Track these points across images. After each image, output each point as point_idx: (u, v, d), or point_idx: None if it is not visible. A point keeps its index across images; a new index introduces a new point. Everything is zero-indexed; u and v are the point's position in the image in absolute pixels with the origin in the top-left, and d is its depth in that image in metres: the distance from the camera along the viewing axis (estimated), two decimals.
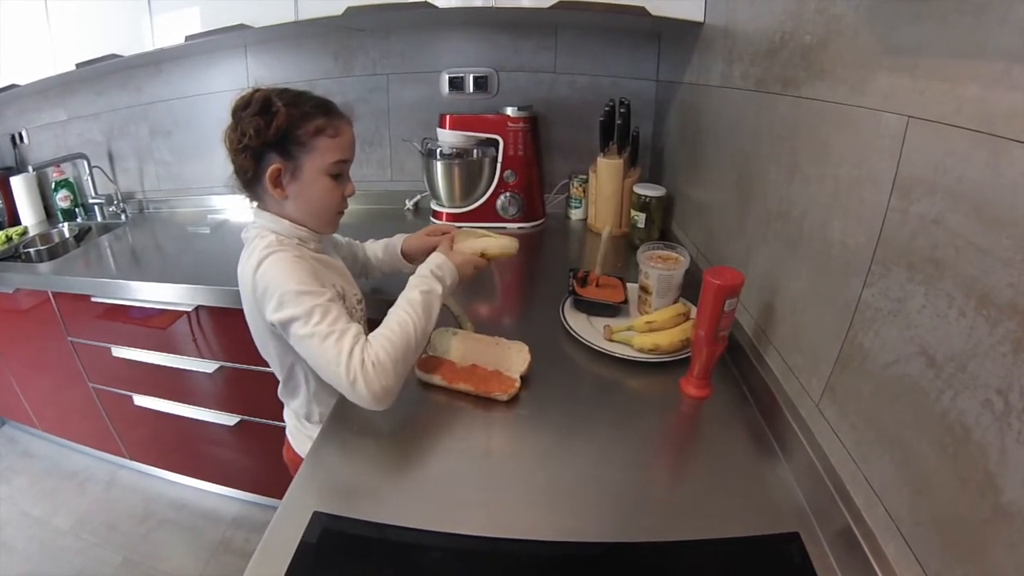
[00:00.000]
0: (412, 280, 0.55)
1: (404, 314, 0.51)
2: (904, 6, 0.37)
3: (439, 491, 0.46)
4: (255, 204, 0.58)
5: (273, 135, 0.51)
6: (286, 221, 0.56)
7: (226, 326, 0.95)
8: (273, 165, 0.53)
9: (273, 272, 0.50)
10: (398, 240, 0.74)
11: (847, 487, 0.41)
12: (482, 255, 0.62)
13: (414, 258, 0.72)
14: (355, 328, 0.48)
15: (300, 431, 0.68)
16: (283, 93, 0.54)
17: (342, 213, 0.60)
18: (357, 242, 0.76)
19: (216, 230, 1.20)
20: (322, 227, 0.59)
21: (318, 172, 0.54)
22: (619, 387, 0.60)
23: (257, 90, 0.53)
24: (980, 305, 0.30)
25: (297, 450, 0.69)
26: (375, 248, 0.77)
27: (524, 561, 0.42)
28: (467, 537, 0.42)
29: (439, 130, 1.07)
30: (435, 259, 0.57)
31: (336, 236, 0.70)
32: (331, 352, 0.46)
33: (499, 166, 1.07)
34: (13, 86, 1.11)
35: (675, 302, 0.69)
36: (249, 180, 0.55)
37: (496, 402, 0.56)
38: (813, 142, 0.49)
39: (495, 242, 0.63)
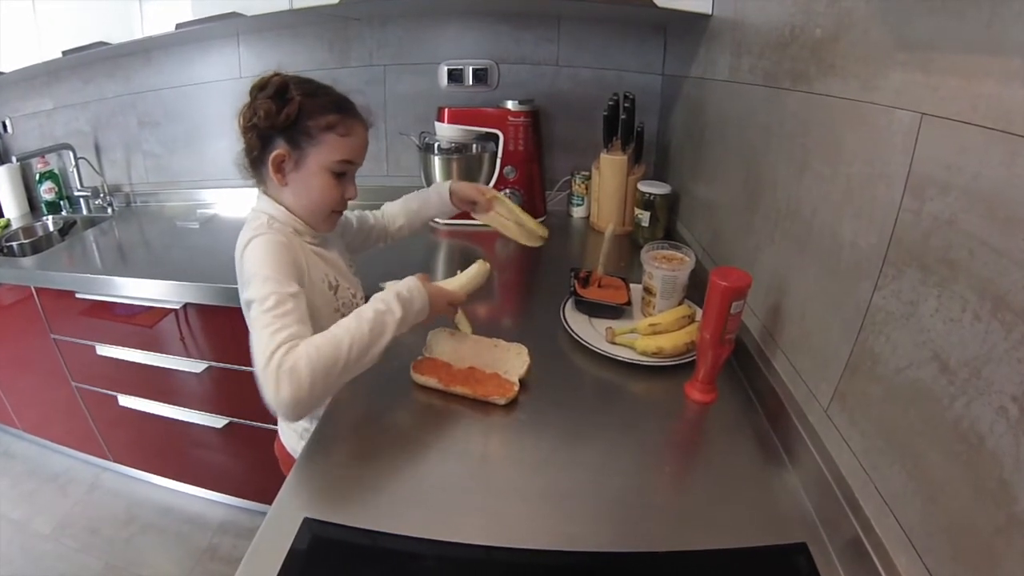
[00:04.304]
0: (375, 295, 0.51)
1: (343, 329, 0.46)
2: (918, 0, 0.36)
3: (434, 498, 0.45)
4: (260, 188, 0.58)
5: (283, 121, 0.52)
6: (283, 209, 0.56)
7: (215, 325, 0.93)
8: (278, 150, 0.53)
9: (254, 253, 0.51)
10: (443, 188, 0.73)
11: (856, 496, 0.40)
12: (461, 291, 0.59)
13: (457, 205, 0.74)
14: (296, 329, 0.45)
15: (290, 425, 0.67)
16: (304, 83, 0.54)
17: (339, 213, 0.59)
18: (367, 212, 0.75)
19: (205, 225, 1.17)
20: (317, 224, 0.58)
21: (320, 167, 0.54)
22: (621, 391, 0.59)
23: (276, 74, 0.52)
24: (995, 308, 0.29)
25: (285, 443, 0.68)
26: (407, 205, 0.75)
27: (521, 570, 0.41)
28: (463, 545, 0.40)
29: (437, 124, 1.05)
30: (408, 282, 0.53)
31: (347, 213, 0.68)
32: (263, 343, 0.44)
33: (499, 161, 1.06)
34: None
35: (680, 304, 0.68)
36: (255, 160, 0.55)
37: (494, 406, 0.55)
38: (823, 139, 0.48)
39: (468, 278, 0.59)
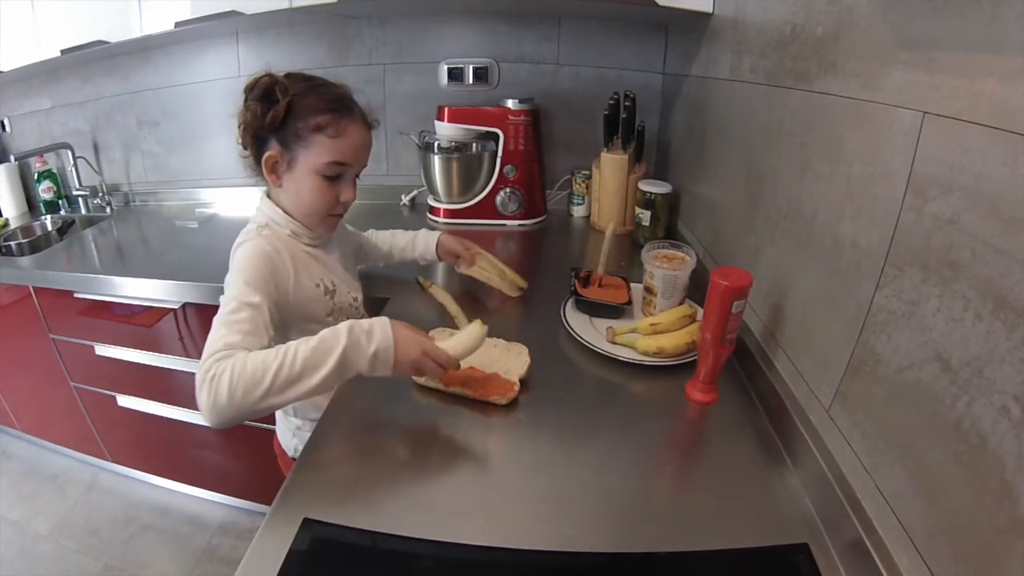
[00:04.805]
0: (337, 327, 0.46)
1: (279, 356, 0.43)
2: None
3: (434, 498, 0.45)
4: (263, 190, 0.58)
5: (269, 124, 0.51)
6: (281, 211, 0.56)
7: None
8: (270, 152, 0.53)
9: (239, 258, 0.52)
10: (431, 237, 0.77)
11: (858, 496, 0.40)
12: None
13: (442, 256, 0.77)
14: (239, 338, 0.45)
15: (284, 421, 0.67)
16: (299, 82, 0.53)
17: (338, 216, 0.59)
18: (362, 233, 0.78)
19: (204, 224, 1.16)
20: (313, 226, 0.58)
21: (310, 170, 0.53)
22: (622, 391, 0.59)
23: (267, 75, 0.52)
24: (997, 308, 0.29)
25: (281, 440, 0.69)
26: (396, 237, 0.79)
27: (521, 571, 0.40)
28: (463, 546, 0.40)
29: (437, 123, 1.05)
30: (376, 320, 0.46)
31: (347, 226, 0.70)
32: (208, 345, 0.44)
33: (499, 160, 1.05)
34: None
35: (681, 303, 0.67)
36: (253, 160, 0.56)
37: (494, 406, 0.55)
38: (825, 138, 0.48)
39: (458, 340, 0.50)
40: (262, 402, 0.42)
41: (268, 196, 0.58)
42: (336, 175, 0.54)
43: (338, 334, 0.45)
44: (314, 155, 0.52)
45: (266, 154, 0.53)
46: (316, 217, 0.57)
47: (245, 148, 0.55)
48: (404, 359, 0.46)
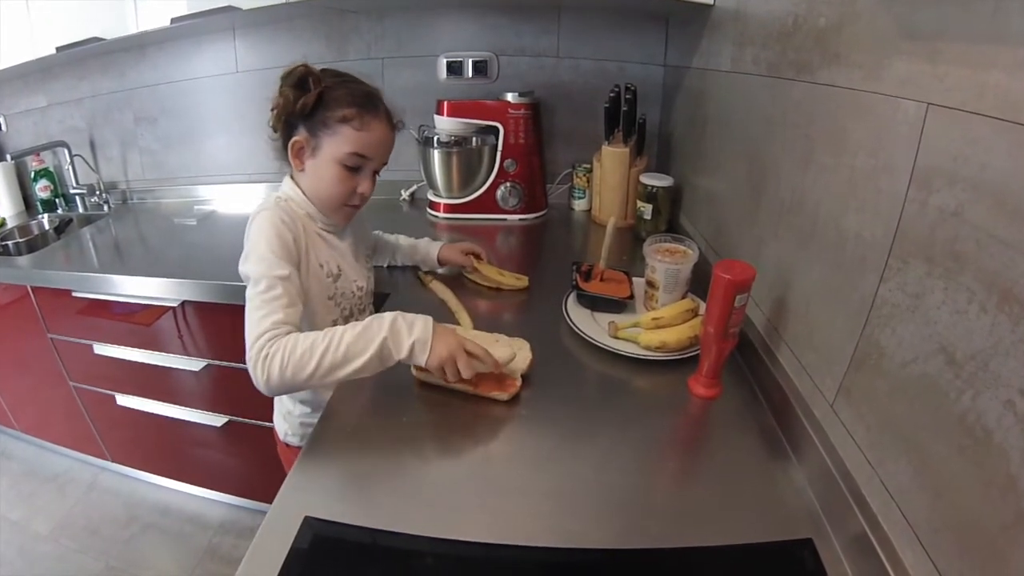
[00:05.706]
0: (384, 315, 0.49)
1: (326, 341, 0.46)
2: None
3: (436, 495, 0.45)
4: (287, 172, 0.60)
5: (299, 110, 0.54)
6: (300, 192, 0.59)
7: (213, 322, 0.92)
8: (297, 137, 0.56)
9: (257, 228, 0.53)
10: (433, 247, 0.80)
11: (862, 491, 0.39)
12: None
13: (444, 265, 0.80)
14: (282, 315, 0.49)
15: (277, 405, 0.69)
16: (333, 76, 0.56)
17: (354, 207, 0.61)
18: (374, 232, 0.81)
19: (203, 222, 1.16)
20: (329, 213, 0.60)
21: (332, 158, 0.56)
22: (624, 386, 0.59)
23: (302, 65, 0.55)
24: (1002, 301, 0.29)
25: (277, 427, 0.70)
26: (400, 240, 0.82)
27: (524, 568, 0.40)
28: (465, 543, 0.40)
29: (436, 117, 1.04)
30: (421, 316, 0.50)
31: (366, 224, 0.74)
32: (252, 324, 0.48)
33: (499, 155, 1.05)
34: None
35: (683, 297, 0.67)
36: (281, 144, 0.58)
37: (495, 402, 0.54)
38: (828, 130, 0.47)
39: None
40: (309, 381, 0.47)
41: (291, 178, 0.60)
42: (356, 166, 0.57)
43: (382, 323, 0.49)
44: (337, 144, 0.55)
45: (293, 139, 0.56)
46: (333, 205, 0.59)
47: (275, 131, 0.57)
48: (441, 348, 0.49)
